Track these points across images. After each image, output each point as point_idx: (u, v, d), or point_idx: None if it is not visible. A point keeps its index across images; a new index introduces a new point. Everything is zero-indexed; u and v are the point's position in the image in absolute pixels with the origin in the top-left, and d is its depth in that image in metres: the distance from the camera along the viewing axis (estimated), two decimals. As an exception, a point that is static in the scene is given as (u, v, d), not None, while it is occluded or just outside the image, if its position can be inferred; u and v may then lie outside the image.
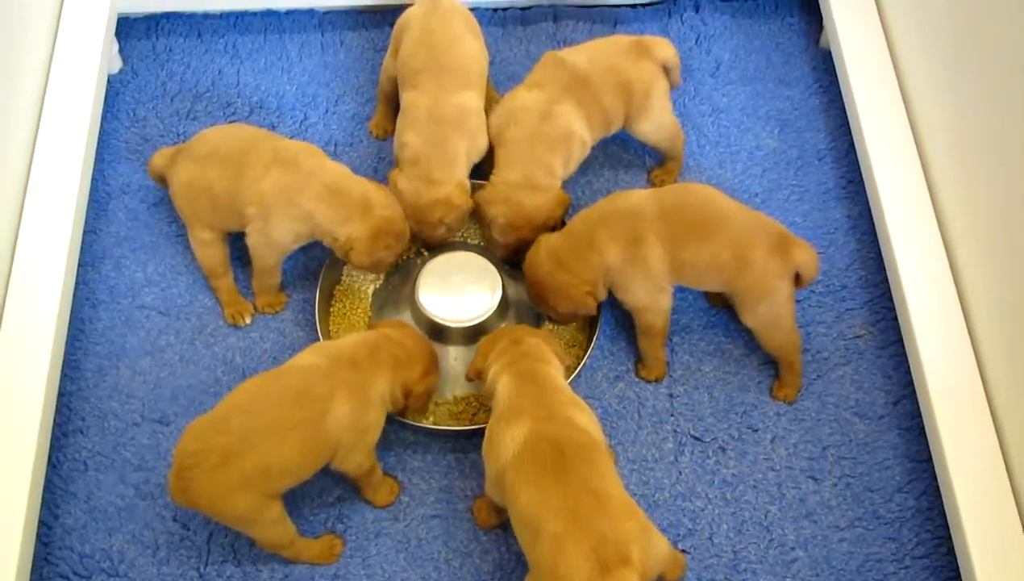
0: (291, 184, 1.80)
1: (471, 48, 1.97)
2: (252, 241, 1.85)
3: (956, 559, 1.66)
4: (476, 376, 1.70)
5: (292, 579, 1.70)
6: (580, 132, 1.92)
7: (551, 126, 1.89)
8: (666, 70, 1.99)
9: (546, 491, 1.48)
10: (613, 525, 1.44)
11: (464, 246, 2.01)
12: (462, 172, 1.90)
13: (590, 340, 1.87)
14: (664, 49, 1.99)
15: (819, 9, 2.24)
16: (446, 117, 1.88)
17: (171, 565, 1.71)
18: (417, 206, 1.87)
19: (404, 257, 2.00)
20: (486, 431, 1.62)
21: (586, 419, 1.59)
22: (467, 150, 1.90)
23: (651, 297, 1.79)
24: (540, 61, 1.98)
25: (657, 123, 1.99)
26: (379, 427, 1.68)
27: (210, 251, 1.90)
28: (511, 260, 1.95)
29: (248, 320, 1.92)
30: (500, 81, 2.21)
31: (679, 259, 1.75)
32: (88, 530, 1.73)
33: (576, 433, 1.55)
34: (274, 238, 1.82)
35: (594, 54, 1.96)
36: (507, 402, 1.61)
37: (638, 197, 1.80)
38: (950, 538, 1.69)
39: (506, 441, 1.55)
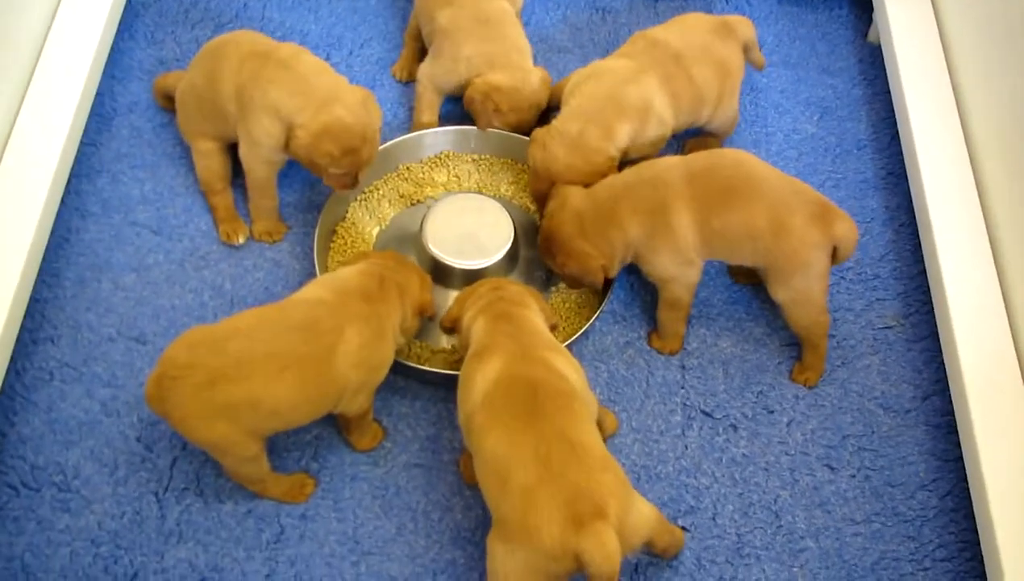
0: (262, 73, 1.69)
1: None
2: (240, 150, 1.75)
3: (981, 564, 1.52)
4: (452, 325, 1.58)
5: (256, 514, 1.56)
6: (660, 109, 1.80)
7: (630, 91, 1.78)
8: (745, 50, 1.91)
9: (516, 435, 1.35)
10: (589, 476, 1.31)
11: (477, 193, 1.90)
12: (531, 60, 1.94)
13: (601, 301, 1.75)
14: (748, 29, 1.91)
15: (869, 3, 2.17)
16: (492, 17, 1.86)
17: (128, 486, 1.58)
18: (523, 94, 1.87)
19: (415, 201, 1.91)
20: (460, 373, 1.50)
21: (566, 364, 1.46)
22: (523, 39, 1.91)
23: (678, 268, 1.67)
24: (629, 39, 1.90)
25: (733, 104, 1.91)
26: (389, 364, 1.56)
27: (208, 163, 1.81)
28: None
29: (241, 240, 1.82)
30: (533, 42, 2.11)
31: (709, 228, 1.63)
32: (44, 441, 1.61)
33: (553, 377, 1.42)
34: (254, 136, 1.71)
35: (685, 31, 1.87)
36: (480, 340, 1.49)
37: (665, 163, 1.69)
38: (976, 543, 1.54)
39: (477, 379, 1.43)
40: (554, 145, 1.76)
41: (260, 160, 1.74)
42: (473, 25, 1.86)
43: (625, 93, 1.78)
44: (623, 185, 1.68)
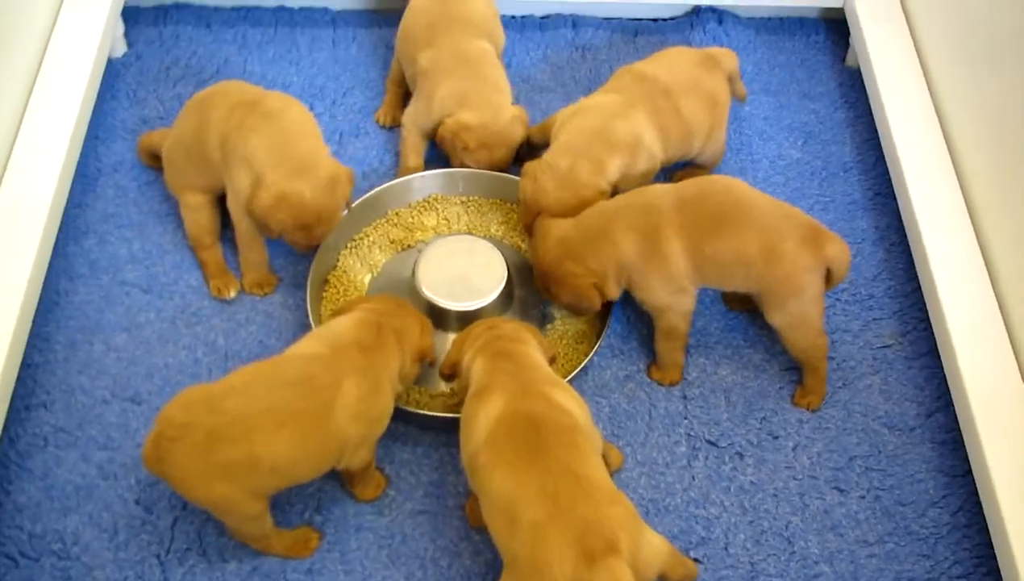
0: (246, 122, 1.69)
1: (480, 5, 1.96)
2: (228, 201, 1.75)
3: (998, 578, 1.49)
4: (451, 371, 1.56)
5: (261, 572, 1.53)
6: (649, 143, 1.80)
7: (618, 126, 1.78)
8: (729, 81, 1.92)
9: (522, 473, 1.33)
10: (598, 510, 1.29)
11: (468, 235, 1.90)
12: (510, 98, 1.91)
13: (599, 336, 1.74)
14: (732, 61, 1.93)
15: (845, 28, 2.19)
16: (472, 57, 1.87)
17: (129, 550, 1.55)
18: (492, 131, 1.85)
19: (403, 245, 1.90)
20: (461, 414, 1.48)
21: (567, 398, 1.45)
22: (503, 79, 1.90)
23: (672, 296, 1.67)
24: (615, 74, 1.91)
25: (722, 135, 1.92)
26: (389, 416, 1.53)
27: (196, 217, 1.80)
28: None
29: (233, 294, 1.80)
30: (515, 82, 2.13)
31: (701, 254, 1.63)
32: (42, 509, 1.58)
33: (555, 412, 1.40)
34: (236, 187, 1.71)
35: (671, 65, 1.88)
36: (481, 379, 1.47)
37: (655, 191, 1.70)
38: (992, 557, 1.53)
39: (479, 419, 1.41)
40: (544, 179, 1.76)
41: (243, 211, 1.73)
42: (452, 65, 1.87)
43: (614, 128, 1.78)
44: (615, 208, 1.68)
